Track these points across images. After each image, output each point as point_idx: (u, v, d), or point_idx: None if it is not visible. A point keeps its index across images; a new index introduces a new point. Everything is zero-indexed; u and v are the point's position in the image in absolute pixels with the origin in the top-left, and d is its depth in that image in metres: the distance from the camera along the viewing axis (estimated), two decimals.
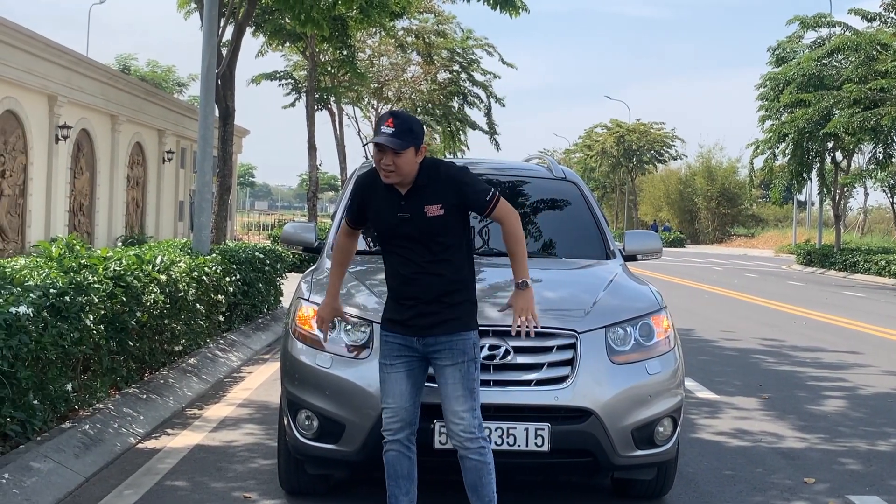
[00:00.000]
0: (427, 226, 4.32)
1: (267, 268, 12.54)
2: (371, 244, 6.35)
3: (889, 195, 41.46)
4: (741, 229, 74.43)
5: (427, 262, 4.34)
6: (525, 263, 4.38)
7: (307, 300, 5.07)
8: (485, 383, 4.55)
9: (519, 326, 4.32)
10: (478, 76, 37.07)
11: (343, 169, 34.42)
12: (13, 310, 5.17)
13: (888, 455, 6.75)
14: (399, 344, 4.40)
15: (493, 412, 4.56)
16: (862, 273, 33.42)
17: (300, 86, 29.60)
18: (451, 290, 4.36)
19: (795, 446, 6.90)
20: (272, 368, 9.68)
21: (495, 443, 4.53)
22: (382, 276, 5.41)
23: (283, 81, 30.12)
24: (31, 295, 5.48)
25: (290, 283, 14.50)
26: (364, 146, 5.67)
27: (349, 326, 4.82)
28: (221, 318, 10.35)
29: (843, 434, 7.35)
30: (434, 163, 4.45)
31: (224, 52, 15.39)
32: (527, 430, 4.54)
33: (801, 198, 56.69)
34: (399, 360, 4.40)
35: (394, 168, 4.29)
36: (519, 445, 4.54)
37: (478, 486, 4.32)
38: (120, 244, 26.50)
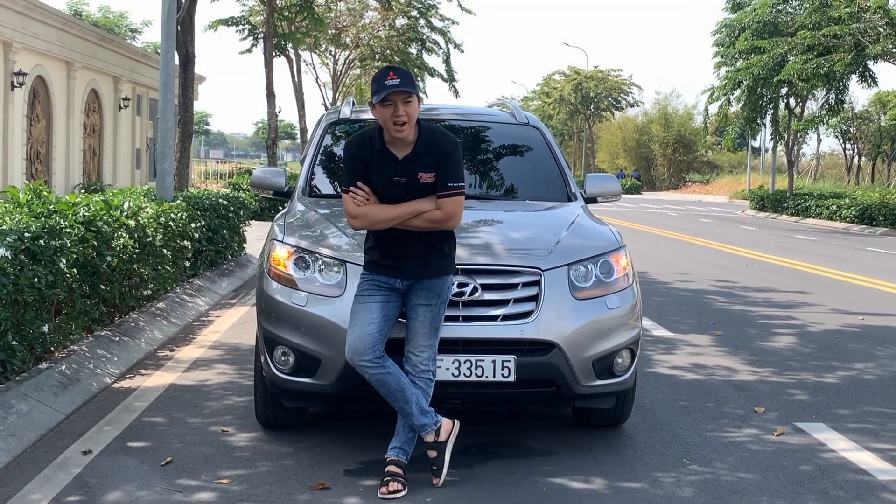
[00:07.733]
0: (419, 191, 4.60)
1: (231, 214, 12.61)
2: (339, 188, 6.51)
3: (841, 141, 42.15)
4: (696, 175, 75.23)
5: None
6: (400, 217, 4.57)
7: (281, 241, 5.23)
8: (454, 318, 4.78)
9: None
10: (436, 22, 36.87)
11: (301, 116, 34.28)
12: None
13: (834, 386, 7.09)
14: (380, 283, 4.66)
15: (462, 345, 4.79)
16: (814, 217, 34.10)
17: (257, 31, 29.33)
18: (438, 241, 4.66)
19: (747, 379, 7.22)
20: (239, 312, 9.85)
21: (464, 374, 4.76)
22: None
23: (240, 27, 29.82)
24: (8, 238, 5.58)
25: (253, 231, 14.61)
26: (372, 104, 5.32)
27: (323, 266, 5.00)
28: (187, 264, 10.47)
29: (792, 368, 7.69)
30: (430, 130, 4.66)
31: None
32: (494, 362, 4.77)
33: (755, 144, 57.43)
34: (378, 293, 4.65)
35: (406, 118, 4.50)
36: (486, 376, 4.77)
37: (419, 400, 4.60)
38: (79, 192, 26.28)
